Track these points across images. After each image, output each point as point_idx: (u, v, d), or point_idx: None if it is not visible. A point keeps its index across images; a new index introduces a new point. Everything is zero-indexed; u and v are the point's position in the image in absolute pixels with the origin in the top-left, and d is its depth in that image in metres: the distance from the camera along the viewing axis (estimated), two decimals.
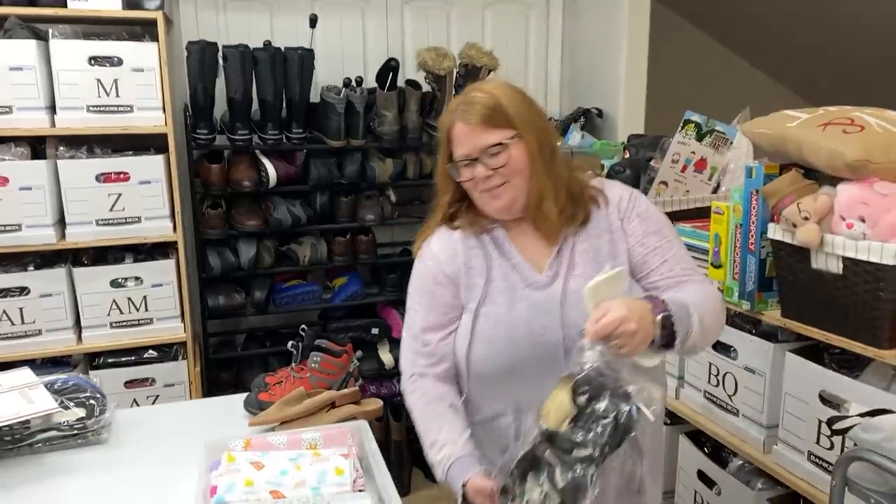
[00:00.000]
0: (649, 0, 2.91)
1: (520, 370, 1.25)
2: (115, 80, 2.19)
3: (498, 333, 1.26)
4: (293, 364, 1.70)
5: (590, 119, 3.07)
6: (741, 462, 1.85)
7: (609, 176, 2.21)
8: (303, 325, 1.84)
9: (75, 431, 1.41)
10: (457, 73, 2.76)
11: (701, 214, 1.95)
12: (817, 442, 1.53)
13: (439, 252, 1.33)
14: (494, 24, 3.16)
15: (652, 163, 2.09)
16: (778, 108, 1.64)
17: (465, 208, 1.33)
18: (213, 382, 2.61)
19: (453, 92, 2.73)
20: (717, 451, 1.94)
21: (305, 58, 2.46)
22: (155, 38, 2.23)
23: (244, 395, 1.68)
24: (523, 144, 1.23)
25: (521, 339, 1.25)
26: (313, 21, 2.59)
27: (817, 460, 1.53)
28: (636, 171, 2.13)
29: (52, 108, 2.18)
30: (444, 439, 1.25)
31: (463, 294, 1.31)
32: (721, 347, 1.81)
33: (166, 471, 1.37)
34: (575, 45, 3.26)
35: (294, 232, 2.72)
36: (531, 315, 1.25)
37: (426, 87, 2.77)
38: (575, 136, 2.86)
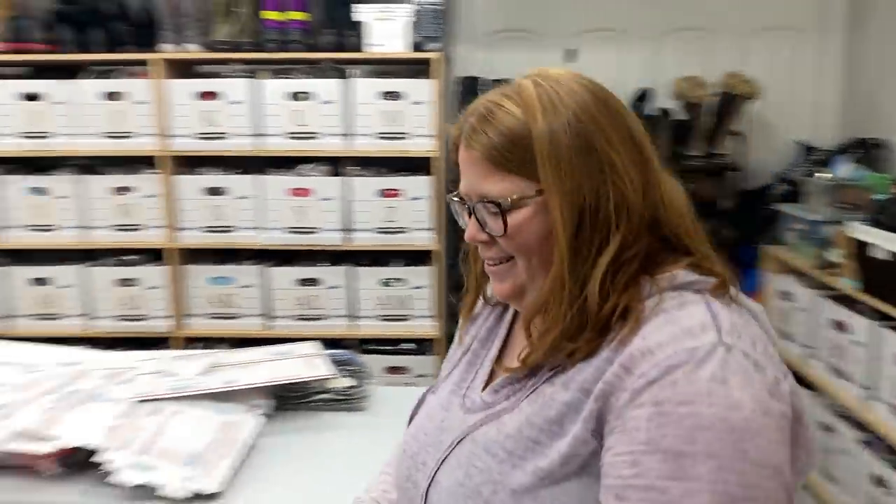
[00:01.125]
0: None
1: (399, 498, 0.89)
2: (398, 112, 2.58)
3: (407, 434, 0.92)
4: None
5: (869, 150, 2.82)
6: None
7: (873, 214, 2.05)
8: None
9: (343, 397, 1.72)
10: (716, 101, 2.76)
11: None
12: None
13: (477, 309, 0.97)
14: (760, 52, 3.07)
15: None
16: None
17: None
18: None
19: (715, 119, 2.73)
20: None
21: None
22: (432, 75, 2.58)
23: None
24: (547, 212, 0.73)
25: (404, 459, 0.88)
26: (571, 54, 2.77)
27: None
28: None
29: (349, 135, 2.64)
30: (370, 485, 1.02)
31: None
32: None
33: None
34: (855, 70, 3.02)
35: None
36: (427, 438, 0.85)
37: (680, 116, 2.80)
38: (844, 168, 2.67)
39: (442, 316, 2.74)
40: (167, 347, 2.68)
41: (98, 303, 2.74)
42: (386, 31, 2.51)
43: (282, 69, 2.67)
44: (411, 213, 2.64)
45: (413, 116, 2.58)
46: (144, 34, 2.61)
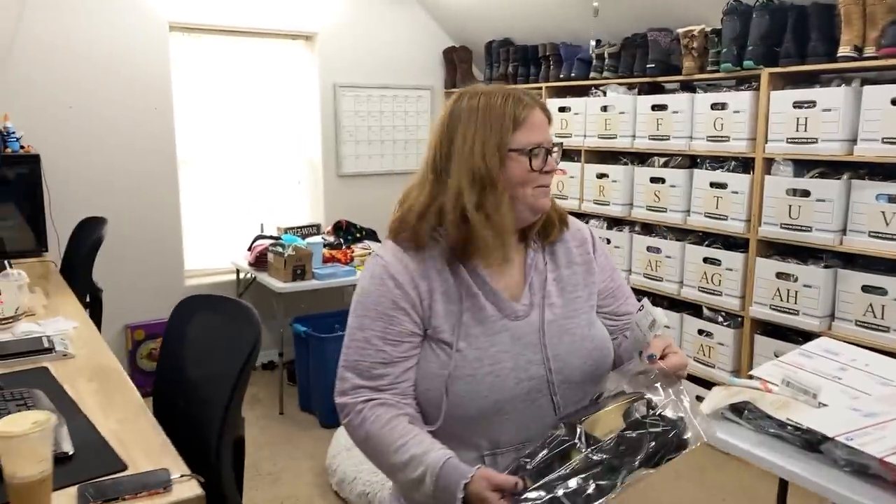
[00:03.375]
0: None
1: (503, 409, 1.20)
2: None
3: (481, 370, 1.19)
4: None
5: None
6: None
7: None
8: None
9: None
10: None
11: None
12: None
13: (399, 273, 1.22)
14: None
15: None
16: None
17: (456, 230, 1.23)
18: None
19: None
20: None
21: None
22: None
23: None
24: None
25: (506, 375, 1.20)
26: None
27: None
28: None
29: None
30: (422, 450, 1.12)
31: (431, 323, 1.22)
32: None
33: None
34: None
35: None
36: (515, 349, 1.22)
37: None
38: None
39: None
40: None
41: None
42: None
43: None
44: None
45: None
46: None
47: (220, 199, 4.42)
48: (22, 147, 3.51)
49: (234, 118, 4.37)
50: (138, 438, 1.52)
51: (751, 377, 2.02)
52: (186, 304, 2.00)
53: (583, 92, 3.99)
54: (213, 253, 4.39)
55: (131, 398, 1.78)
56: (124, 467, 1.38)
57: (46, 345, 2.07)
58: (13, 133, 3.46)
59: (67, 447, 1.41)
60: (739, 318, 3.24)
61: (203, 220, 4.37)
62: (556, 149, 1.25)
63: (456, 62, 4.90)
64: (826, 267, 2.88)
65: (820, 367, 1.94)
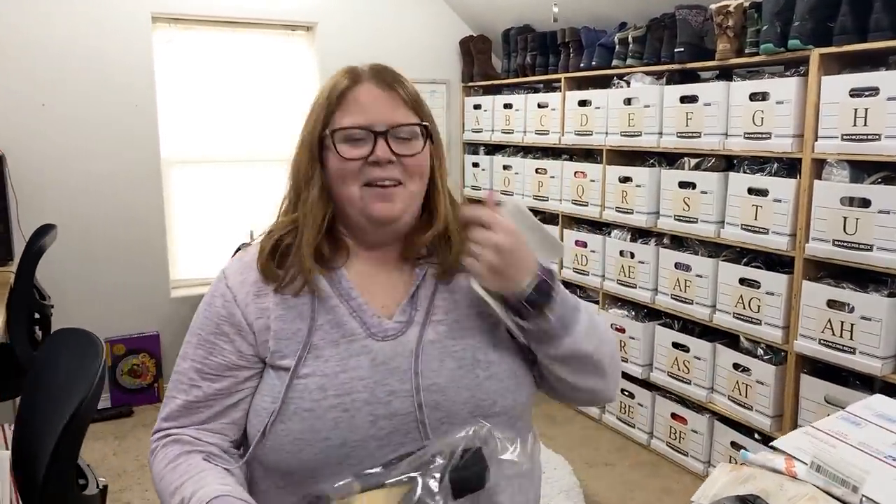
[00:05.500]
0: None
1: (354, 456, 0.90)
2: None
3: (323, 402, 0.91)
4: None
5: None
6: None
7: None
8: None
9: None
10: None
11: None
12: None
13: (233, 288, 0.98)
14: None
15: None
16: None
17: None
18: None
19: None
20: None
21: None
22: None
23: None
24: (430, 148, 1.00)
25: (358, 410, 0.91)
26: None
27: None
28: None
29: None
30: (191, 493, 0.87)
31: (270, 346, 0.96)
32: None
33: None
34: None
35: None
36: (374, 376, 0.94)
37: None
38: None
39: None
40: None
41: None
42: None
43: None
44: None
45: None
46: None
47: (212, 204, 4.09)
48: None
49: (226, 117, 4.03)
50: None
51: (773, 450, 1.51)
52: (58, 336, 1.65)
53: (605, 83, 3.48)
54: (203, 262, 4.07)
55: None
56: None
57: None
58: None
59: None
60: (783, 353, 2.68)
61: (193, 226, 4.06)
62: (383, 133, 0.96)
63: (473, 53, 4.45)
64: (891, 296, 2.30)
65: (870, 441, 1.41)
